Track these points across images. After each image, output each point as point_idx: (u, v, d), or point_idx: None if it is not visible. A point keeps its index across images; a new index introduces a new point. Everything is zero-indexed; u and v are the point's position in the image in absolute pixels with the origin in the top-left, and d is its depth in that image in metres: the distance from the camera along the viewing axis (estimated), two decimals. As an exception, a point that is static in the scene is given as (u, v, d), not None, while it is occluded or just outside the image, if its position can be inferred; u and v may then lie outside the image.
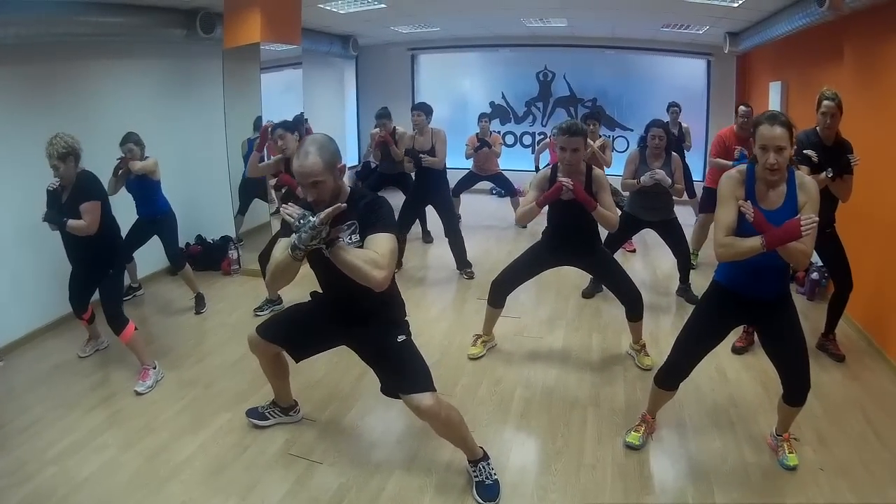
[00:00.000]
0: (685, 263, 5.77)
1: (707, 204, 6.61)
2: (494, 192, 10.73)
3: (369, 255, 2.50)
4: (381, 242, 2.56)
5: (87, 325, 4.71)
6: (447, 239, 6.57)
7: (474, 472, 3.12)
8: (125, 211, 5.14)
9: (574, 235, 4.31)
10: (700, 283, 5.25)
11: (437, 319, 5.45)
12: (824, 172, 4.01)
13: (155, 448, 3.52)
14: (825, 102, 4.07)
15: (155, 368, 4.35)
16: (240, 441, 3.56)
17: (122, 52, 6.16)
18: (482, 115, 8.52)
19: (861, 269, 4.74)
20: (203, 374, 4.38)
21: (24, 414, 3.95)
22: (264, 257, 5.24)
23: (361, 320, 2.98)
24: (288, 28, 6.55)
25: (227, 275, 6.86)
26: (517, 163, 10.60)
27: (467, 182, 8.51)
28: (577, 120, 4.25)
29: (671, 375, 3.34)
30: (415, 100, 11.03)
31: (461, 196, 8.60)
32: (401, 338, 2.98)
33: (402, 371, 2.96)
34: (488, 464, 3.14)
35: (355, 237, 2.66)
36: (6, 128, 4.83)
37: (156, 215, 5.54)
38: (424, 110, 6.43)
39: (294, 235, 2.43)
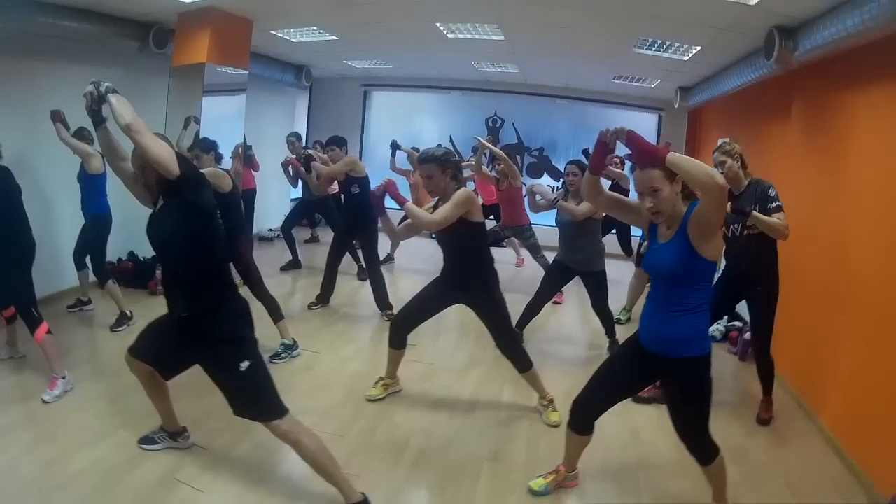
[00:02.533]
0: (605, 320, 5.60)
1: (639, 258, 6.59)
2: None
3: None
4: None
5: (6, 326, 4.66)
6: (367, 279, 6.51)
7: None
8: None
9: (454, 269, 4.20)
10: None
11: (349, 359, 5.32)
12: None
13: (52, 457, 3.48)
14: (713, 155, 4.16)
15: (64, 379, 4.27)
16: (132, 459, 3.52)
17: (75, 56, 6.23)
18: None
19: (794, 327, 4.79)
20: (111, 389, 4.33)
21: None
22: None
23: (203, 329, 2.94)
24: (236, 52, 6.65)
25: (154, 294, 6.79)
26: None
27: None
28: (435, 149, 4.13)
29: (577, 414, 3.16)
30: (364, 135, 11.42)
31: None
32: (244, 364, 2.89)
33: (250, 398, 2.95)
34: None
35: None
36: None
37: (86, 214, 5.54)
38: (337, 143, 6.43)
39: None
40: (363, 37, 7.56)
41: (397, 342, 4.43)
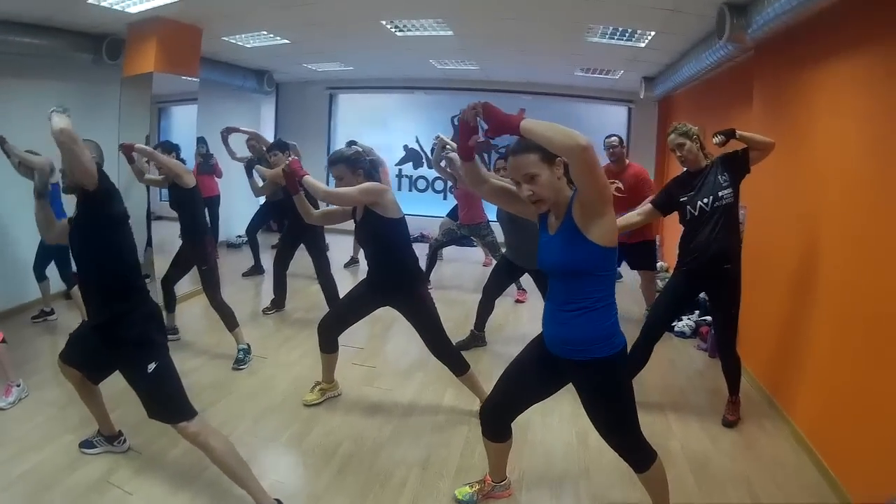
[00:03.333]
0: None
1: (635, 259, 6.56)
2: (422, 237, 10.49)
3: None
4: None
5: None
6: (318, 282, 6.45)
7: None
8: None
9: (374, 269, 4.12)
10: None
11: (293, 363, 5.25)
12: (716, 137, 3.99)
13: None
14: (669, 138, 4.07)
15: (19, 386, 4.41)
16: (72, 463, 3.62)
17: (28, 71, 6.38)
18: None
19: (763, 319, 4.60)
20: (64, 395, 4.35)
21: None
22: (168, 280, 5.51)
23: (113, 332, 3.00)
24: (186, 60, 6.69)
25: None
26: (428, 208, 10.96)
27: None
28: (345, 149, 4.24)
29: (487, 421, 3.00)
30: (331, 139, 11.47)
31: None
32: (151, 367, 2.93)
33: (158, 400, 2.99)
34: None
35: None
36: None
37: None
38: (280, 148, 6.35)
39: None
40: (315, 39, 7.56)
41: (327, 345, 4.35)
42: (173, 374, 3.02)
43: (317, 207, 4.35)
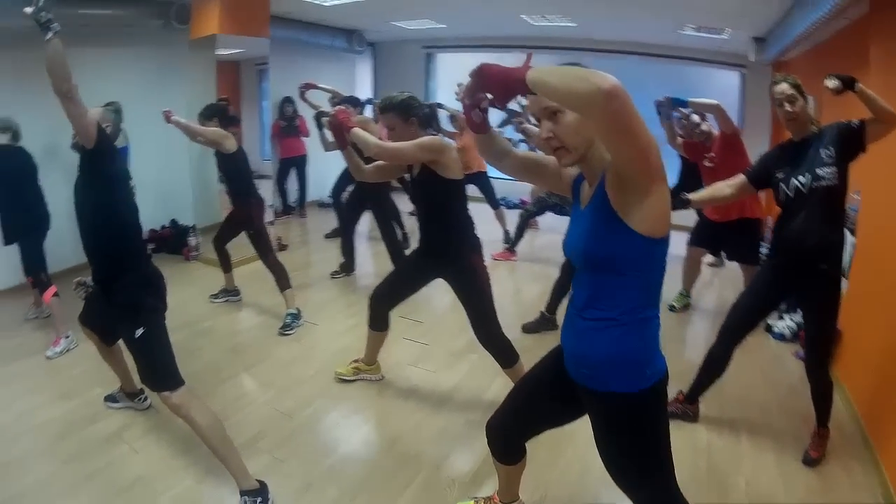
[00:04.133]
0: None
1: (730, 245, 5.43)
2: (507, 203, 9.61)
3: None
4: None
5: (33, 289, 5.08)
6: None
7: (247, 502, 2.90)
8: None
9: (425, 235, 3.72)
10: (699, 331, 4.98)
11: (343, 333, 5.02)
12: (831, 81, 3.07)
13: (33, 405, 3.94)
14: (777, 88, 3.17)
15: (68, 338, 4.73)
16: (94, 415, 3.82)
17: (105, 41, 6.69)
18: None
19: (871, 333, 3.73)
20: None
21: None
22: (218, 240, 5.59)
23: (116, 299, 3.03)
24: (254, 20, 6.78)
25: (188, 260, 7.25)
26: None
27: None
28: (396, 94, 3.53)
29: (494, 440, 2.49)
30: (430, 99, 11.01)
31: None
32: (139, 332, 2.91)
33: (144, 367, 2.99)
34: (256, 501, 2.90)
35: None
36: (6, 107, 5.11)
37: None
38: (352, 103, 6.27)
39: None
40: None
41: (376, 321, 4.00)
42: (162, 341, 2.99)
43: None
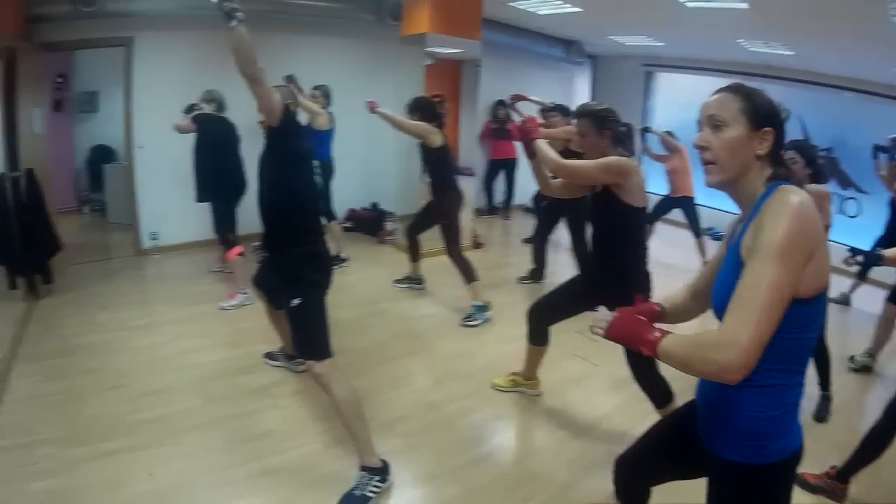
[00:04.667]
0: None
1: (894, 292, 4.79)
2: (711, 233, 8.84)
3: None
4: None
5: (219, 246, 5.72)
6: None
7: (357, 478, 2.97)
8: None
9: (597, 257, 3.42)
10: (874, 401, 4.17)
11: (513, 339, 4.43)
12: None
13: (195, 347, 4.56)
14: None
15: (245, 294, 5.30)
16: (250, 367, 4.27)
17: (318, 30, 7.45)
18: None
19: None
20: None
21: (141, 293, 5.88)
22: (412, 229, 5.85)
23: (279, 268, 3.21)
24: (465, 22, 7.00)
25: (382, 243, 7.72)
26: (719, 199, 9.72)
27: (662, 208, 7.49)
28: (595, 103, 3.36)
29: (619, 479, 2.28)
30: (646, 120, 10.69)
31: (655, 225, 7.58)
32: (295, 301, 3.00)
33: (296, 335, 3.12)
34: (374, 479, 2.96)
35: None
36: (225, 84, 5.55)
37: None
38: (561, 111, 6.14)
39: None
40: (604, 7, 7.37)
41: (535, 336, 3.81)
42: (316, 314, 3.06)
43: None
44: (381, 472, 3.01)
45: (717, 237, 8.45)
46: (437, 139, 5.22)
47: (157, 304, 5.53)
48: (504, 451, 3.53)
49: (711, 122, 1.64)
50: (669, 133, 7.47)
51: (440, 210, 5.48)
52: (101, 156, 9.34)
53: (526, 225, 8.65)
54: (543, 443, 3.59)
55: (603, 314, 1.77)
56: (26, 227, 5.28)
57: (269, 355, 4.32)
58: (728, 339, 1.40)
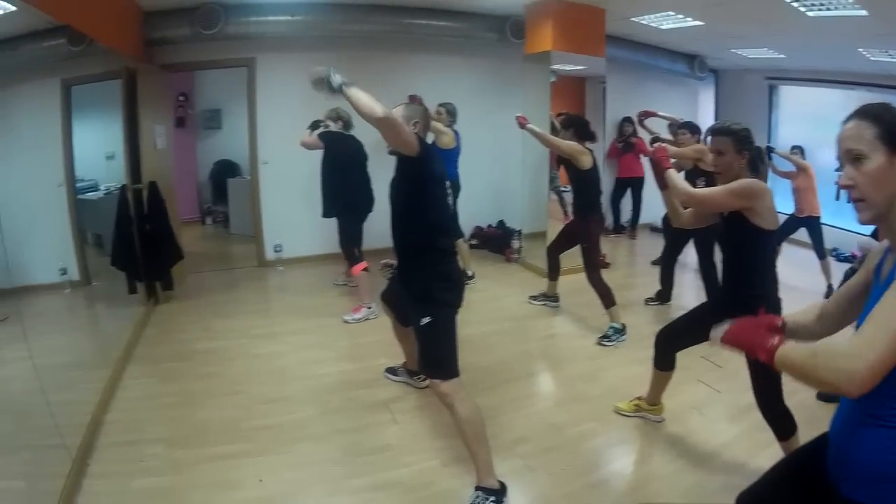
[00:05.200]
0: None
1: None
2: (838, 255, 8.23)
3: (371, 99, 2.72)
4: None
5: (345, 260, 5.75)
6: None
7: (471, 497, 2.89)
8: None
9: (725, 281, 3.26)
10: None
11: (639, 362, 4.22)
12: None
13: (316, 358, 4.57)
14: None
15: (369, 308, 5.29)
16: (370, 381, 4.20)
17: (441, 49, 7.51)
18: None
19: None
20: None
21: (263, 303, 6.09)
22: (552, 249, 5.78)
23: (411, 287, 3.15)
24: (588, 39, 6.84)
25: (508, 262, 7.57)
26: (845, 219, 8.52)
27: (787, 228, 6.94)
28: (735, 123, 3.20)
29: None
30: (771, 136, 10.25)
31: (780, 246, 7.01)
32: (425, 320, 2.96)
33: (424, 353, 3.06)
34: (489, 499, 2.87)
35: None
36: (346, 103, 5.81)
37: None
38: (690, 129, 5.88)
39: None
40: (724, 20, 6.95)
41: (661, 361, 3.65)
42: (445, 333, 3.01)
43: None
44: (497, 493, 2.90)
45: (842, 259, 8.02)
46: (587, 160, 5.11)
47: (278, 315, 5.62)
48: (621, 478, 3.33)
49: (850, 156, 1.51)
50: (796, 149, 7.10)
51: (582, 232, 5.33)
52: (225, 170, 9.72)
53: (652, 245, 8.40)
54: (662, 471, 3.36)
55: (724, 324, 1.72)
56: (149, 235, 5.46)
57: (391, 370, 4.24)
58: (858, 351, 1.33)
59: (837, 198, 6.36)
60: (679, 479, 3.25)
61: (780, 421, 3.10)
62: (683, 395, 4.00)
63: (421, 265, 3.09)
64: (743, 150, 3.09)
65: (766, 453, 3.31)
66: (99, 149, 5.39)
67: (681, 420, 3.80)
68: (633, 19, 7.24)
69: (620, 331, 5.03)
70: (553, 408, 3.98)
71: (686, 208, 3.30)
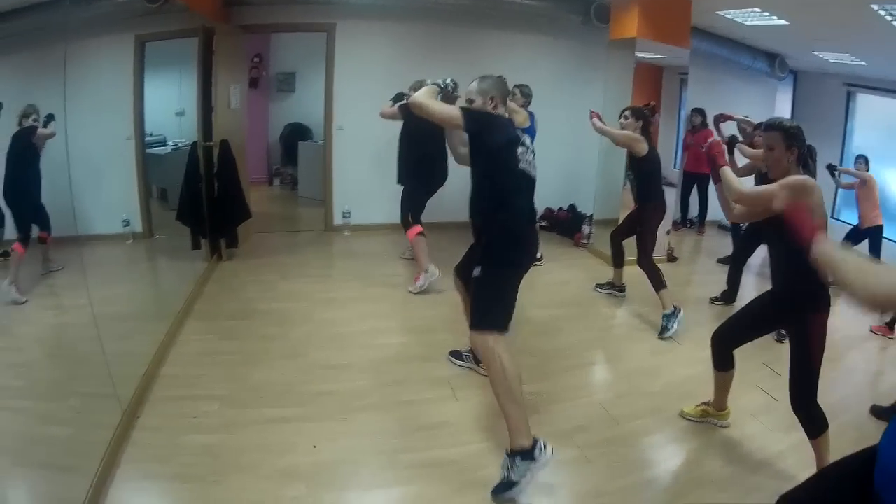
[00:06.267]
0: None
1: None
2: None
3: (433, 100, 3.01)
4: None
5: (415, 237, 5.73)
6: None
7: (502, 464, 2.84)
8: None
9: (777, 276, 3.26)
10: None
11: (698, 360, 4.16)
12: None
13: (378, 328, 4.56)
14: None
15: (427, 272, 5.27)
16: (431, 356, 4.14)
17: (521, 27, 7.38)
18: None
19: None
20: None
21: (328, 268, 6.19)
22: (616, 235, 5.70)
23: (481, 244, 3.21)
24: (674, 29, 6.66)
25: (577, 246, 7.48)
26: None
27: (850, 238, 6.86)
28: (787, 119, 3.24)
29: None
30: (845, 145, 9.84)
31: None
32: (477, 271, 3.04)
33: (474, 302, 3.07)
34: (522, 462, 2.78)
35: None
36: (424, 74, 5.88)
37: None
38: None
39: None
40: (809, 22, 6.74)
41: (719, 361, 3.57)
42: (499, 288, 3.03)
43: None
44: (527, 453, 2.81)
45: None
46: (643, 147, 5.10)
47: (342, 281, 5.60)
48: (674, 478, 3.25)
49: None
50: (861, 159, 6.91)
51: (638, 217, 5.39)
52: (296, 133, 9.79)
53: (720, 243, 8.33)
54: (715, 475, 3.26)
55: None
56: (217, 193, 5.52)
57: (455, 354, 4.11)
58: None
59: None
60: (731, 485, 3.20)
61: (813, 418, 3.13)
62: (741, 400, 3.89)
63: (490, 225, 3.14)
64: (792, 146, 3.07)
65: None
66: (169, 105, 5.46)
67: (737, 425, 3.72)
68: (718, 12, 7.02)
69: (672, 315, 4.95)
70: (613, 399, 3.87)
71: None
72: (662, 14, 6.46)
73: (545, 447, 2.81)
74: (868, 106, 9.83)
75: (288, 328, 4.37)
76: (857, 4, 5.45)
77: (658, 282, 5.05)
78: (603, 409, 3.69)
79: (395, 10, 6.64)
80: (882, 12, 5.53)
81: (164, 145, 5.29)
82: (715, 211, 8.99)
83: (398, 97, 5.47)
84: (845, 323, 4.96)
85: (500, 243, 3.08)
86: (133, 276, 4.74)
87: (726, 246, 7.48)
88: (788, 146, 3.07)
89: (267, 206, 7.90)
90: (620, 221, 5.82)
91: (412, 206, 5.49)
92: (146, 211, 4.81)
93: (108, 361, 3.07)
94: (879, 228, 6.63)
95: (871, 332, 5.48)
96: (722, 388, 3.61)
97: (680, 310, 4.96)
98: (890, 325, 5.55)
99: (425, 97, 3.02)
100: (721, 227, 9.43)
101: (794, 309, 3.11)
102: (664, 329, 4.89)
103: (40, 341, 3.39)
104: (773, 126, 3.15)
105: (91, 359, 3.12)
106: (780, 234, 2.98)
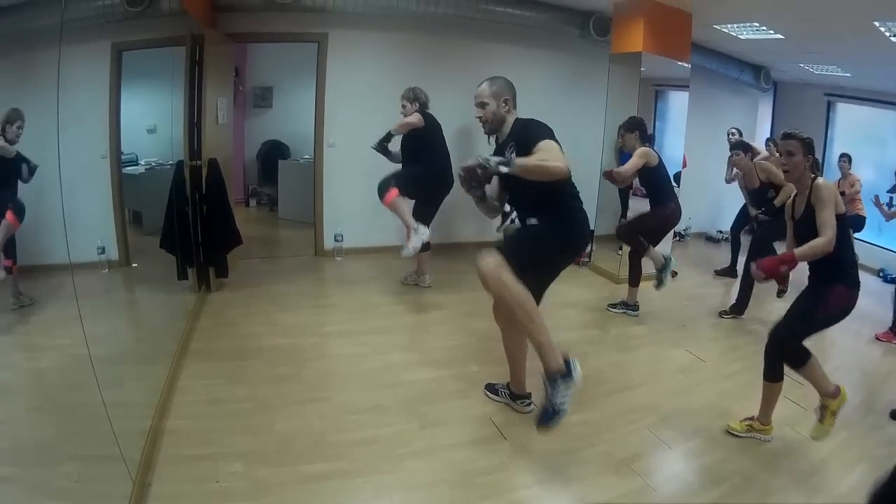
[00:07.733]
0: None
1: None
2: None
3: (537, 156, 2.88)
4: (543, 146, 2.94)
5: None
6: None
7: (545, 394, 2.87)
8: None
9: (812, 269, 3.53)
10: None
11: (727, 376, 4.43)
12: None
13: (402, 362, 4.23)
14: None
15: (417, 231, 5.08)
16: (464, 391, 3.86)
17: (517, 39, 7.16)
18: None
19: None
20: (489, 328, 4.16)
21: (330, 297, 5.79)
22: (634, 254, 5.66)
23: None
24: (675, 43, 6.56)
25: (578, 265, 7.17)
26: (891, 239, 8.61)
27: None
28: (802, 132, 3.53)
29: None
30: (826, 153, 9.99)
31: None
32: (531, 220, 3.23)
33: (504, 249, 3.02)
34: (562, 385, 2.84)
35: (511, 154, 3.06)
36: (411, 80, 5.62)
37: None
38: (741, 148, 6.24)
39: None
40: (808, 37, 6.85)
41: (771, 372, 3.57)
42: (529, 253, 3.09)
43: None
44: (568, 373, 2.88)
45: (889, 280, 7.85)
46: (654, 158, 5.28)
47: (349, 311, 5.22)
48: (739, 498, 3.08)
49: None
50: (844, 157, 7.68)
51: (653, 213, 5.53)
52: (274, 150, 9.45)
53: (712, 254, 8.51)
54: (772, 484, 3.21)
55: None
56: (206, 217, 5.13)
57: (491, 388, 3.83)
58: None
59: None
60: (790, 496, 3.13)
61: (796, 352, 3.42)
62: (775, 411, 3.79)
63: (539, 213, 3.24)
64: (808, 154, 3.44)
65: (855, 470, 3.38)
66: (140, 121, 4.95)
67: (778, 437, 3.68)
68: (715, 26, 7.01)
69: (631, 307, 5.60)
70: (658, 423, 3.74)
71: None
72: (665, 29, 6.36)
73: (574, 362, 2.89)
74: (848, 115, 10.06)
75: (300, 367, 3.99)
76: (859, 20, 5.55)
77: (635, 279, 5.58)
78: (653, 434, 3.58)
79: (391, 21, 6.38)
80: (882, 28, 5.63)
81: (136, 164, 4.85)
82: (702, 224, 9.54)
83: (386, 138, 5.34)
84: (846, 333, 5.18)
85: (548, 222, 3.18)
86: (116, 310, 4.28)
87: (722, 257, 7.85)
88: (806, 155, 3.43)
89: (247, 229, 7.38)
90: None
91: (426, 216, 5.31)
92: (123, 237, 4.34)
93: (102, 414, 2.54)
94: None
95: (876, 339, 5.54)
96: (769, 400, 3.61)
97: (637, 308, 5.58)
98: (895, 331, 5.60)
99: (552, 159, 2.87)
100: (709, 238, 9.70)
101: (823, 281, 3.41)
102: (614, 306, 5.66)
103: (17, 390, 2.99)
104: (793, 136, 3.45)
105: (84, 411, 2.73)
106: (813, 231, 3.31)
